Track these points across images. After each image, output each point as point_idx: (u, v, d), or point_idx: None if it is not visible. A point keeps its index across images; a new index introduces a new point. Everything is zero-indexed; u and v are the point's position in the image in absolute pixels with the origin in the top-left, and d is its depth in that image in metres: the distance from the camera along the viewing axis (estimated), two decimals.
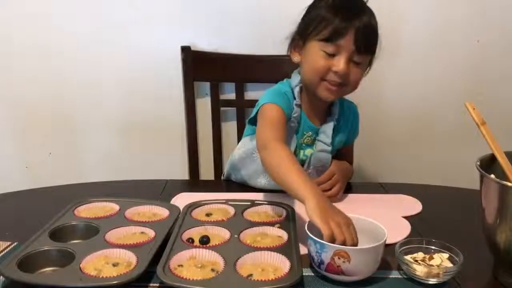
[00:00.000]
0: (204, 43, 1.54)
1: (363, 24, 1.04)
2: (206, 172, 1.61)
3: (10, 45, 1.53)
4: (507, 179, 0.80)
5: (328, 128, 1.17)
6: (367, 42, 1.06)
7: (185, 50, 1.51)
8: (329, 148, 1.17)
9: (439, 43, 1.58)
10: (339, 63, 1.05)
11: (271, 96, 1.13)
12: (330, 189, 1.13)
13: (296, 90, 1.15)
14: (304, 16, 1.13)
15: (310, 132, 1.18)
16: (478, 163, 0.82)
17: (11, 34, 1.52)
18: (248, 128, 1.24)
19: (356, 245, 0.81)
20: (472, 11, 1.55)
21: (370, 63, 1.13)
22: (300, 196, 0.87)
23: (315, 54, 1.08)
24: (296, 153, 1.18)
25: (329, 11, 1.06)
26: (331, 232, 0.79)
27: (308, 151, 1.19)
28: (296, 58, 1.15)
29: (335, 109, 1.19)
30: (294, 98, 1.15)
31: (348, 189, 1.21)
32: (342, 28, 1.04)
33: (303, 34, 1.11)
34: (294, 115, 1.14)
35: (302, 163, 1.17)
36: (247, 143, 1.23)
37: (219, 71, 1.53)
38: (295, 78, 1.17)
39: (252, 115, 1.17)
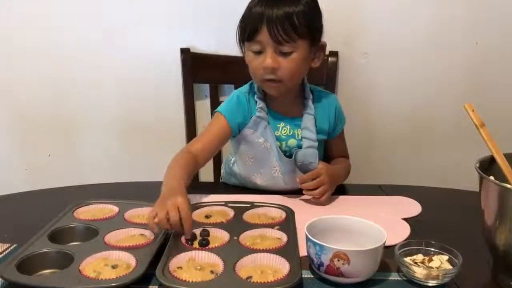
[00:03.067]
0: (204, 45, 1.54)
1: (274, 14, 1.04)
2: (206, 174, 1.61)
3: (10, 45, 1.53)
4: (507, 181, 0.80)
5: (309, 123, 1.17)
6: (284, 31, 1.05)
7: (185, 52, 1.51)
8: (316, 144, 1.17)
9: (438, 44, 1.58)
10: (265, 59, 1.07)
11: (223, 105, 1.20)
12: (314, 190, 1.11)
13: (255, 85, 1.18)
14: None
15: (283, 123, 1.18)
16: (478, 165, 0.82)
17: (11, 34, 1.52)
18: None
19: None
20: (471, 12, 1.55)
21: (319, 47, 1.13)
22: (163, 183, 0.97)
23: (248, 56, 1.12)
24: (279, 146, 1.17)
25: (252, 7, 1.08)
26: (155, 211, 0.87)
27: (291, 142, 1.18)
28: (246, 59, 1.16)
29: (308, 102, 1.19)
30: (255, 93, 1.17)
31: (347, 191, 1.21)
32: (254, 25, 1.06)
33: (240, 36, 1.14)
34: (259, 106, 1.16)
35: (289, 156, 1.16)
36: (233, 148, 1.25)
37: (219, 73, 1.53)
38: None
39: None
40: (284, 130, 1.18)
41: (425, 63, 1.60)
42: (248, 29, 1.08)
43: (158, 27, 1.54)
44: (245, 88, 1.22)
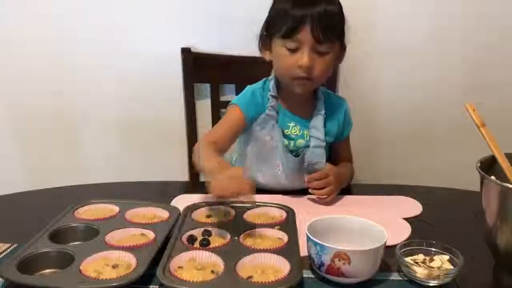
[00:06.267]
0: (205, 45, 1.54)
1: (317, 14, 1.04)
2: None
3: (10, 45, 1.53)
4: (508, 181, 0.80)
5: (318, 123, 1.18)
6: (326, 31, 1.06)
7: (185, 51, 1.51)
8: (323, 144, 1.18)
9: (439, 44, 1.58)
10: (302, 57, 1.07)
11: (238, 98, 1.20)
12: (321, 189, 1.12)
13: (271, 83, 1.18)
14: (268, 13, 1.15)
15: (293, 122, 1.19)
16: (479, 164, 0.82)
17: (11, 34, 1.52)
18: None
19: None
20: (471, 12, 1.55)
21: (343, 48, 1.15)
22: (202, 165, 0.99)
23: (279, 52, 1.10)
24: (285, 145, 1.17)
25: (284, 5, 1.07)
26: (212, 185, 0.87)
27: (300, 142, 1.19)
28: (266, 56, 1.17)
29: (319, 103, 1.20)
30: (269, 90, 1.18)
31: (348, 190, 1.21)
32: (297, 22, 1.05)
33: (268, 31, 1.13)
34: (271, 104, 1.16)
35: (296, 155, 1.17)
36: (236, 145, 1.26)
37: (219, 72, 1.53)
38: (272, 71, 1.20)
39: None
40: (294, 129, 1.19)
41: (425, 63, 1.60)
42: (287, 26, 1.06)
43: (158, 27, 1.54)
44: (259, 84, 1.22)
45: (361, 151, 1.36)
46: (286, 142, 1.17)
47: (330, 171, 1.14)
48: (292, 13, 1.06)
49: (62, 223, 0.93)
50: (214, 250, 0.83)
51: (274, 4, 1.13)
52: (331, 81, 1.55)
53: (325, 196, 1.11)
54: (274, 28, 1.10)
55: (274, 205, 1.03)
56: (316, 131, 1.18)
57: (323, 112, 1.19)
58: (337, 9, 1.09)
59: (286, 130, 1.18)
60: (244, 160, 1.22)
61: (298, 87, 1.13)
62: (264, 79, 1.23)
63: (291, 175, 1.17)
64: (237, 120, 1.16)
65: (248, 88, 1.22)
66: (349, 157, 1.32)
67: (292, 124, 1.19)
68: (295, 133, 1.19)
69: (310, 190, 1.13)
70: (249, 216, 0.99)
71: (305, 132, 1.19)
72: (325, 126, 1.20)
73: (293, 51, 1.08)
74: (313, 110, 1.20)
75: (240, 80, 1.54)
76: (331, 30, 1.07)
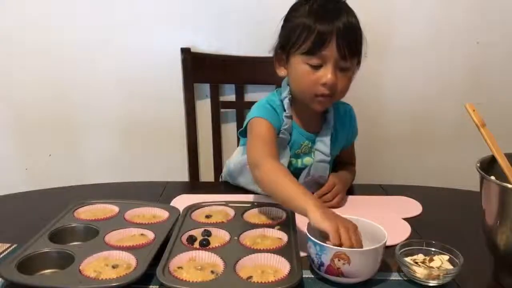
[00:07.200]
0: (204, 45, 1.54)
1: (342, 28, 1.00)
2: (206, 173, 1.61)
3: (10, 45, 1.53)
4: (507, 181, 0.80)
5: (325, 137, 1.15)
6: (350, 47, 1.02)
7: (185, 51, 1.51)
8: (328, 159, 1.15)
9: (439, 44, 1.58)
10: (326, 74, 1.02)
11: (260, 111, 1.12)
12: (331, 200, 1.11)
13: (286, 102, 1.12)
14: (283, 28, 1.10)
15: (307, 141, 1.16)
16: (478, 164, 0.82)
17: (11, 34, 1.52)
18: (241, 138, 1.23)
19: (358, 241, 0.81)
20: (472, 12, 1.55)
21: (358, 63, 1.10)
22: (301, 207, 0.86)
23: (300, 69, 1.05)
24: (291, 163, 1.15)
25: (307, 19, 1.02)
26: (336, 226, 0.79)
27: (307, 160, 1.17)
28: (282, 72, 1.12)
29: (330, 116, 1.16)
30: (284, 110, 1.13)
31: (348, 190, 1.21)
32: (322, 38, 1.00)
33: (285, 48, 1.08)
34: (285, 127, 1.12)
35: (301, 171, 1.15)
36: (241, 152, 1.22)
37: (219, 72, 1.53)
38: (284, 89, 1.14)
39: (243, 127, 1.15)
40: (305, 148, 1.16)
41: (425, 63, 1.60)
42: (311, 42, 1.01)
43: (158, 27, 1.54)
44: (274, 99, 1.15)
45: (361, 150, 1.36)
46: (294, 161, 1.15)
47: (335, 178, 1.13)
48: (316, 28, 1.00)
49: (62, 223, 0.93)
50: (214, 250, 0.83)
51: (289, 19, 1.08)
52: None
53: (336, 206, 1.10)
54: (294, 45, 1.04)
55: (274, 205, 1.03)
56: (322, 145, 1.14)
57: (331, 125, 1.16)
58: (357, 21, 1.05)
59: (297, 150, 1.15)
60: (244, 171, 1.18)
61: (319, 105, 1.08)
62: (274, 91, 1.19)
63: None
64: (273, 131, 1.09)
65: (264, 101, 1.15)
66: (353, 160, 1.32)
67: (304, 143, 1.15)
68: (305, 151, 1.16)
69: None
70: (249, 216, 0.99)
71: (314, 149, 1.16)
72: (334, 140, 1.17)
73: (315, 67, 1.03)
74: (322, 123, 1.16)
75: (240, 80, 1.54)
76: (355, 45, 1.03)
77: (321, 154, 1.14)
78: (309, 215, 0.84)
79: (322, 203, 0.88)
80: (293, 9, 1.09)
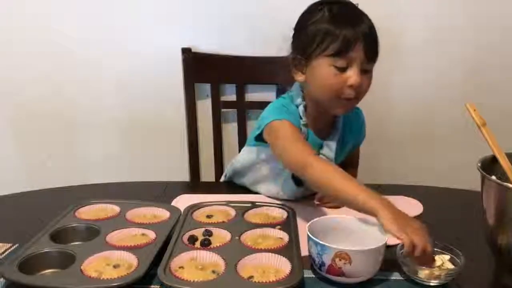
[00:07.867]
0: (205, 45, 1.54)
1: (368, 30, 1.01)
2: (207, 173, 1.61)
3: (10, 45, 1.53)
4: (508, 181, 0.80)
5: (332, 142, 1.13)
6: (375, 48, 1.03)
7: (186, 51, 1.51)
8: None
9: (439, 45, 1.58)
10: (353, 76, 1.01)
11: (279, 113, 1.09)
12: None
13: (301, 109, 1.10)
14: (300, 33, 1.08)
15: (317, 147, 1.14)
16: (479, 164, 0.82)
17: (11, 34, 1.52)
18: (252, 139, 1.19)
19: (432, 252, 0.80)
20: (472, 12, 1.55)
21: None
22: (369, 208, 0.84)
23: (325, 72, 1.02)
24: None
25: (330, 24, 1.01)
26: (410, 240, 0.78)
27: None
28: (300, 78, 1.09)
29: (338, 120, 1.15)
30: (300, 118, 1.11)
31: None
32: (351, 39, 0.99)
33: (305, 52, 1.05)
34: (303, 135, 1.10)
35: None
36: (251, 152, 1.20)
37: (220, 72, 1.53)
38: (297, 96, 1.12)
39: (258, 131, 1.11)
40: None
41: (425, 64, 1.60)
42: (338, 44, 1.00)
43: (159, 27, 1.54)
44: (288, 104, 1.12)
45: (361, 150, 1.36)
46: None
47: None
48: (341, 33, 0.99)
49: (63, 223, 0.93)
50: (215, 250, 0.83)
51: (306, 26, 1.05)
52: None
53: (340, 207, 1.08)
54: (317, 48, 1.02)
55: (275, 205, 1.03)
56: (328, 150, 1.13)
57: (339, 131, 1.15)
58: (374, 25, 1.05)
59: None
60: (252, 170, 1.19)
61: (342, 108, 1.07)
62: (284, 96, 1.16)
63: (294, 195, 1.14)
64: (299, 131, 1.07)
65: (281, 106, 1.12)
66: (356, 161, 1.31)
67: (316, 151, 1.13)
68: None
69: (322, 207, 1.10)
70: (250, 216, 0.99)
71: (320, 154, 1.13)
72: (341, 144, 1.16)
73: (341, 69, 1.01)
74: (332, 128, 1.15)
75: (240, 80, 1.54)
76: (377, 47, 1.04)
77: (325, 158, 1.12)
78: (379, 216, 0.82)
79: (390, 202, 0.86)
80: (309, 16, 1.07)
